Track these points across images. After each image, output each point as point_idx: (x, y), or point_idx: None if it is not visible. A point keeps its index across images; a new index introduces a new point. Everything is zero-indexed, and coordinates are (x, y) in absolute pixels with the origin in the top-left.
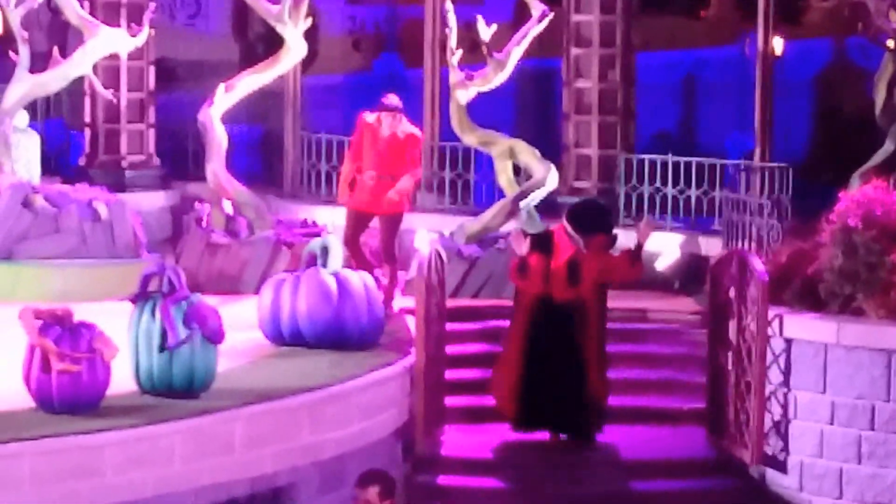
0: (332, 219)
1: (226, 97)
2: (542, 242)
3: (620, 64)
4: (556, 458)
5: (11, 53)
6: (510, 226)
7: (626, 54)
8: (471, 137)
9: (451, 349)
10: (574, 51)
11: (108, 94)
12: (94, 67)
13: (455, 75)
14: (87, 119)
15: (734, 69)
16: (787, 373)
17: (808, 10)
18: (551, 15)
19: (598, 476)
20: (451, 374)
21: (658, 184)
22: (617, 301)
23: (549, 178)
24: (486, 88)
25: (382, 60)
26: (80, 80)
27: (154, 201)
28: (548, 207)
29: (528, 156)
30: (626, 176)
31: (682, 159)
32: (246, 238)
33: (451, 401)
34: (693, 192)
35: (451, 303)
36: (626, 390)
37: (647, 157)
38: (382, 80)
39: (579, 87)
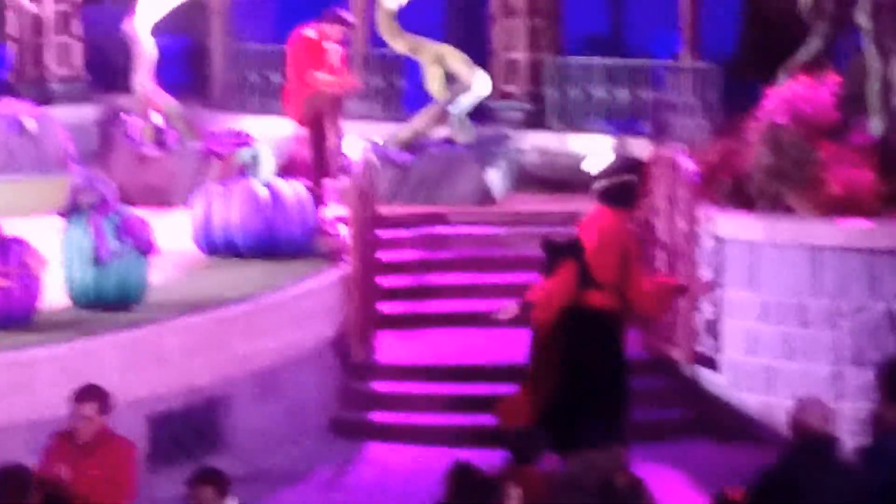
0: (260, 128)
1: (152, 8)
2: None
3: None
4: (487, 362)
5: None
6: (441, 132)
7: None
8: (399, 44)
9: (384, 256)
10: None
11: (32, 6)
12: None
13: None
14: (12, 33)
15: None
16: (717, 272)
17: None
18: None
19: None
20: (384, 281)
21: (587, 86)
22: (549, 205)
23: (479, 84)
24: None
25: None
26: None
27: (82, 114)
28: (479, 113)
29: (457, 62)
30: (554, 79)
31: (611, 61)
32: (175, 150)
33: (384, 307)
34: (622, 94)
35: (383, 210)
36: None
37: (575, 59)
38: None
39: None
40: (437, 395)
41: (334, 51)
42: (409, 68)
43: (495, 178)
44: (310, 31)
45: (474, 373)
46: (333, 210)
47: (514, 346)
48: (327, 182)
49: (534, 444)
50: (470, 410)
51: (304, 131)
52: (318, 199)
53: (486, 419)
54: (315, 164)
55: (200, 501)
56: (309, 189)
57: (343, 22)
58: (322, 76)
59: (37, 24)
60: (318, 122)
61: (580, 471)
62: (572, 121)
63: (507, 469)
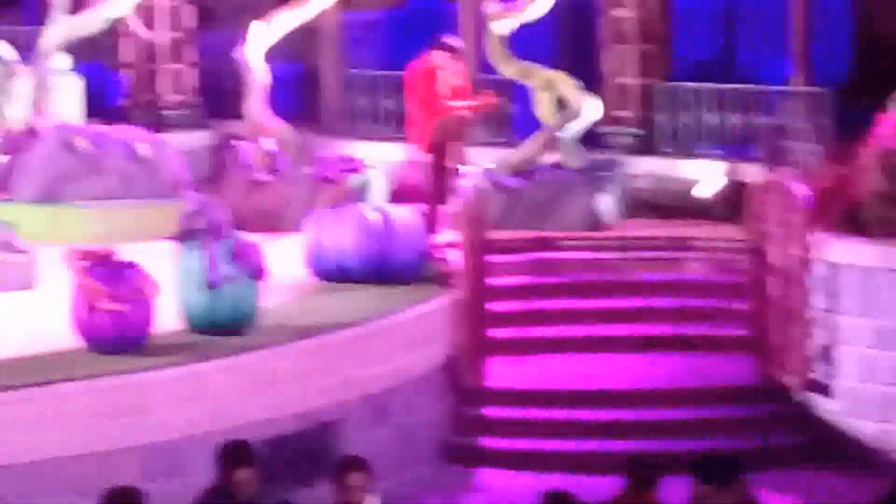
0: (372, 154)
1: (265, 35)
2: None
3: None
4: (599, 387)
5: None
6: (551, 157)
7: None
8: (510, 69)
9: (494, 281)
10: None
11: (147, 34)
12: (133, 7)
13: (491, 6)
14: (127, 60)
15: None
16: (830, 298)
17: None
18: None
19: (642, 403)
20: (495, 306)
21: (698, 111)
22: (660, 230)
23: (589, 109)
24: (524, 20)
25: None
26: (120, 20)
27: (195, 140)
28: (589, 138)
29: (567, 87)
30: (665, 105)
31: (722, 86)
32: (287, 175)
33: (495, 332)
34: (733, 119)
35: (494, 235)
36: (671, 318)
37: (686, 84)
38: (419, 14)
39: (616, 16)
40: (549, 421)
41: (453, 76)
42: (520, 94)
43: (605, 203)
44: (426, 60)
45: (587, 398)
46: (445, 235)
47: (626, 372)
48: (442, 207)
49: (651, 471)
50: (583, 436)
51: (425, 156)
52: (431, 225)
53: (600, 445)
54: (433, 189)
55: (350, 488)
56: (422, 214)
57: (453, 49)
58: (455, 101)
59: (151, 51)
60: (442, 148)
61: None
62: (683, 146)
63: (623, 496)
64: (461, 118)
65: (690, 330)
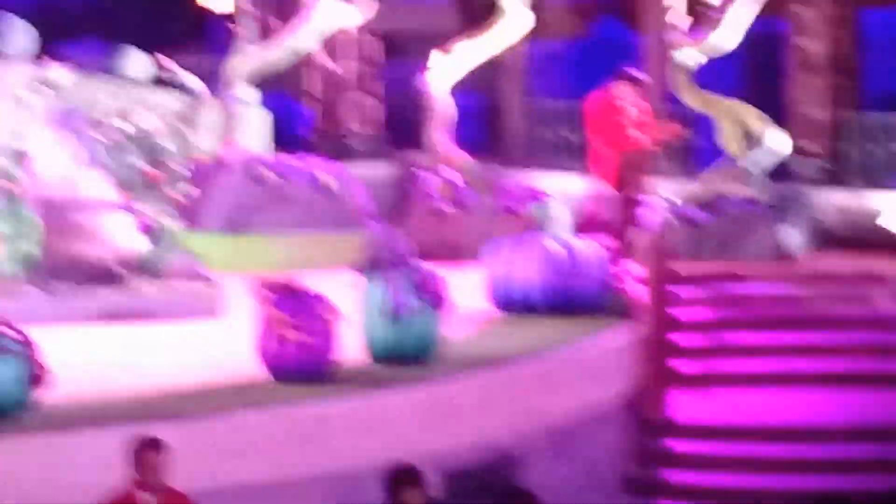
0: (555, 184)
1: (450, 66)
2: None
3: (846, 21)
4: (784, 423)
5: (234, 26)
6: (737, 190)
7: (851, 11)
8: (695, 101)
9: (679, 313)
10: (798, 9)
11: (333, 65)
12: (320, 40)
13: (677, 38)
14: (313, 91)
15: None
16: None
17: None
18: None
19: (828, 439)
20: (679, 339)
21: (888, 143)
22: (848, 263)
23: (775, 141)
24: (712, 52)
25: (602, 24)
26: (306, 52)
27: (378, 171)
28: (775, 170)
29: (753, 119)
30: (853, 136)
31: None
32: (470, 206)
33: (679, 366)
34: None
35: (678, 267)
36: (859, 354)
37: (876, 115)
38: (602, 44)
39: (804, 46)
40: (732, 456)
41: (636, 108)
42: (704, 125)
43: (792, 236)
44: (608, 91)
45: (771, 433)
46: (629, 267)
47: (812, 407)
48: (626, 239)
49: None
50: (767, 472)
51: (609, 188)
52: (615, 256)
53: (783, 481)
54: (619, 221)
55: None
56: (607, 246)
57: (635, 80)
58: (637, 133)
59: (336, 82)
60: (626, 180)
61: None
62: (873, 178)
63: None
64: (644, 150)
65: (879, 365)
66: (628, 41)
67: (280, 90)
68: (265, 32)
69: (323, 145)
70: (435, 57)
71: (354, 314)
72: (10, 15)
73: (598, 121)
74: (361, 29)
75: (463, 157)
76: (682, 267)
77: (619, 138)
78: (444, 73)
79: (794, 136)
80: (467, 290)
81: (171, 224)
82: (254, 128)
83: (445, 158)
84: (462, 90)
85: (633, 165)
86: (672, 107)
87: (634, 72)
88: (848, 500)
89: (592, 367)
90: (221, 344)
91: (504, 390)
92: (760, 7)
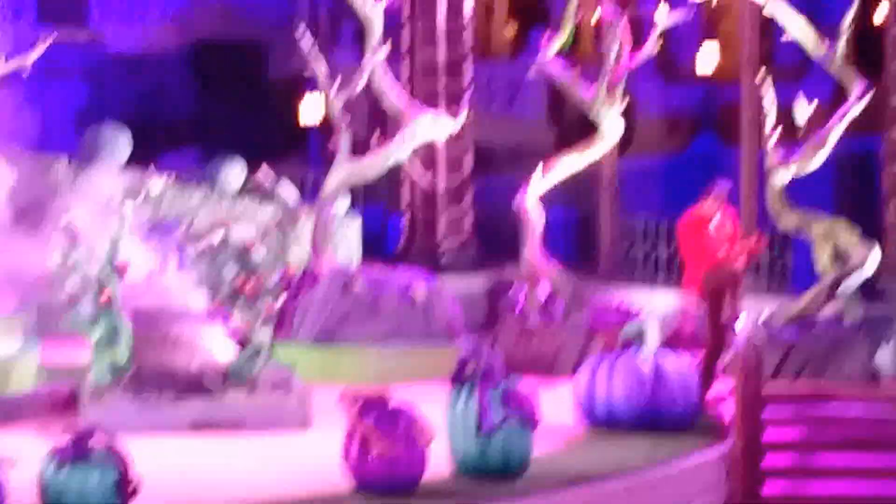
0: (647, 301)
1: (541, 181)
2: None
3: None
4: None
5: (331, 139)
6: (829, 309)
7: None
8: (789, 219)
9: (768, 434)
10: (894, 130)
11: (426, 179)
12: (412, 153)
13: (772, 156)
14: (405, 204)
15: None
16: None
17: None
18: (871, 91)
19: None
20: (768, 460)
21: None
22: None
23: (871, 261)
24: (804, 170)
25: (699, 141)
26: (398, 165)
27: (470, 284)
28: (868, 290)
29: (849, 237)
30: None
31: None
32: (561, 321)
33: (768, 488)
34: None
35: (768, 387)
36: None
37: None
38: (699, 159)
39: None
40: None
41: (725, 224)
42: (798, 244)
43: (885, 357)
44: (699, 208)
45: None
46: (720, 385)
47: None
48: (717, 357)
49: None
50: None
51: (700, 305)
52: (706, 374)
53: None
54: (709, 339)
55: None
56: (697, 364)
57: (722, 196)
58: (723, 250)
59: (429, 196)
60: (717, 298)
61: None
62: None
63: None
64: (732, 267)
65: None
66: (724, 158)
67: (373, 202)
68: (356, 145)
69: (415, 257)
70: (535, 174)
71: (442, 428)
72: (111, 124)
73: (690, 238)
74: (455, 141)
75: (555, 272)
76: (772, 386)
77: (707, 255)
78: (539, 187)
79: (888, 256)
80: (558, 405)
81: (263, 335)
82: (346, 240)
83: (538, 272)
84: (556, 203)
85: (721, 283)
86: (766, 224)
87: (721, 187)
88: None
89: (680, 486)
90: (310, 455)
91: None
92: (854, 127)
